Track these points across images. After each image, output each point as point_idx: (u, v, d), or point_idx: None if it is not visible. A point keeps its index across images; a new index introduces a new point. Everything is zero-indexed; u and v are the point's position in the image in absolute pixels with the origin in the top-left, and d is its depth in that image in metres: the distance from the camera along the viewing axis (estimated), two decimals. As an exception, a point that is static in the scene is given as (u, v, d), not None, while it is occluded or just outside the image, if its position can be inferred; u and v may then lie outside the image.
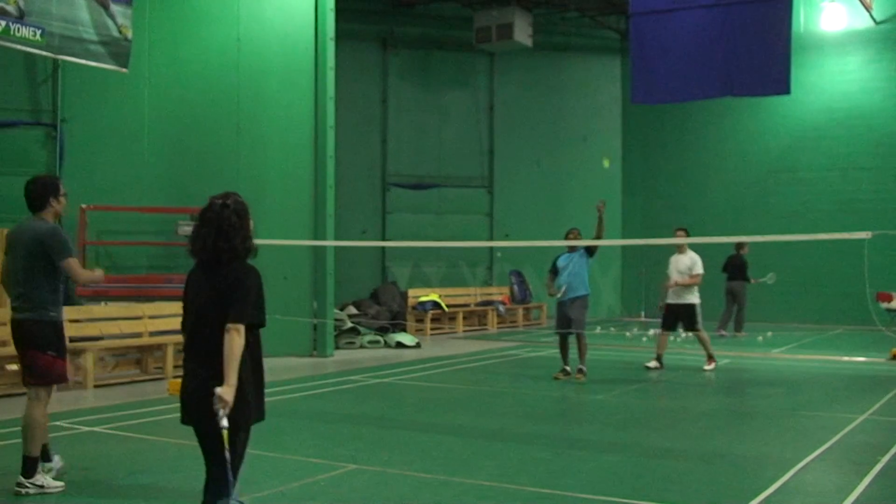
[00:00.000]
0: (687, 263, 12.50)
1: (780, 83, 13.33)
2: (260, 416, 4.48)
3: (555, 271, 11.78)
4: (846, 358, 14.50)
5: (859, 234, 8.33)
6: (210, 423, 4.17)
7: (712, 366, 12.61)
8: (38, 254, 6.05)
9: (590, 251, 11.62)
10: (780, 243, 18.83)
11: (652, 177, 23.62)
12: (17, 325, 6.11)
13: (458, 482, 6.32)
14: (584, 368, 11.56)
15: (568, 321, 11.51)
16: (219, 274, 4.23)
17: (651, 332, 18.07)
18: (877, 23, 20.34)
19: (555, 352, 12.20)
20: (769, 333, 17.88)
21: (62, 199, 6.28)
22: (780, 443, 7.86)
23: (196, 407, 4.23)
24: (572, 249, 11.64)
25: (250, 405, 4.33)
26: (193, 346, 4.30)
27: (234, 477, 4.30)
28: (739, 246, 18.00)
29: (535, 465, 6.91)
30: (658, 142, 23.50)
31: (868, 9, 19.31)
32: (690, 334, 13.27)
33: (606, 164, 17.57)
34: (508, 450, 7.54)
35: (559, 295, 11.54)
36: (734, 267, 18.07)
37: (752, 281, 18.07)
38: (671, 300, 12.61)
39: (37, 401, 6.08)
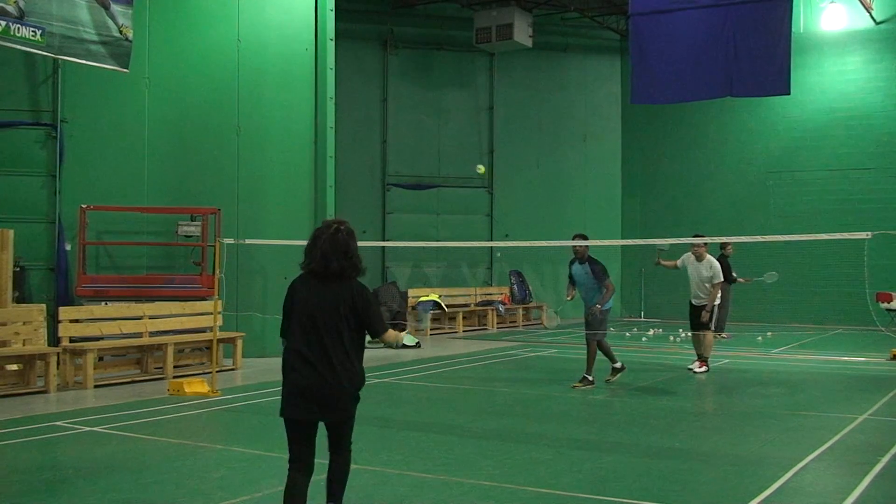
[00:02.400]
0: (708, 274, 12.36)
1: (780, 84, 13.34)
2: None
3: (571, 280, 11.29)
4: (846, 358, 14.50)
5: (859, 234, 8.32)
6: (344, 413, 4.81)
7: (703, 368, 12.43)
8: None
9: (595, 274, 10.92)
10: (780, 243, 18.82)
11: (651, 177, 23.64)
12: None
13: (458, 482, 6.32)
14: (587, 376, 11.13)
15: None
16: (339, 288, 4.85)
17: (651, 331, 18.09)
18: (877, 23, 20.36)
19: (554, 352, 12.20)
20: (769, 333, 17.89)
21: None
22: (780, 443, 7.87)
23: (335, 402, 4.76)
24: (579, 258, 11.00)
25: None
26: (318, 348, 4.77)
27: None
28: (723, 246, 17.89)
29: (535, 465, 6.91)
30: (658, 142, 23.51)
31: (868, 9, 19.33)
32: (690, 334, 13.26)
33: (481, 170, 15.19)
34: (508, 450, 7.53)
35: (568, 299, 11.47)
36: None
37: (743, 280, 17.70)
38: (695, 301, 12.57)
39: None
